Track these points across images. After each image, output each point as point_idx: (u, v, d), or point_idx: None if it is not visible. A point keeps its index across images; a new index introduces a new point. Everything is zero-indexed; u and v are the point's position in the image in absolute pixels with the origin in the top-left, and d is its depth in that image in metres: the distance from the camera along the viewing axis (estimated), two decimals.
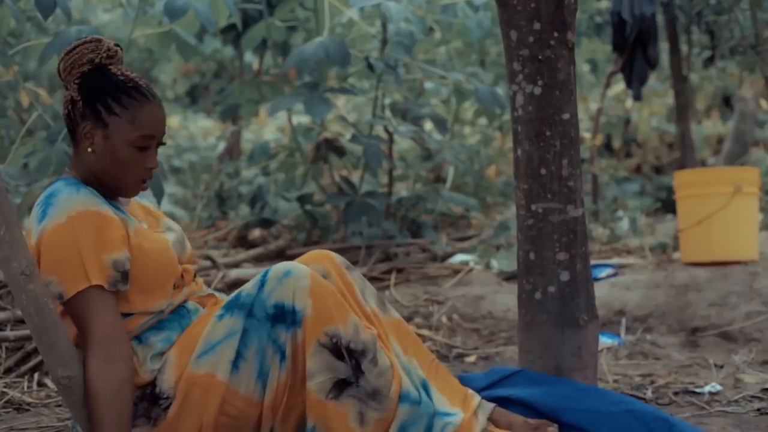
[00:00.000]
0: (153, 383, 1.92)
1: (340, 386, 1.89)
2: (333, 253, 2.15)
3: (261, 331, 1.90)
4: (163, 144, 2.02)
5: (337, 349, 1.89)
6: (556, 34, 2.31)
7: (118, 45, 2.00)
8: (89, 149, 1.94)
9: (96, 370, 1.82)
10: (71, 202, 1.87)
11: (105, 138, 1.93)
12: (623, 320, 3.84)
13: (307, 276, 1.91)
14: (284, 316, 1.89)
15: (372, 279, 4.35)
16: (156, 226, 2.07)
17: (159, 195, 3.54)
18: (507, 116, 6.32)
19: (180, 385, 1.91)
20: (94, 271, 1.84)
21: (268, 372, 1.90)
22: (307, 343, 1.88)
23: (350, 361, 1.89)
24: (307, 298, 1.89)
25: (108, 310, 1.86)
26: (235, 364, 1.90)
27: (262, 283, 1.92)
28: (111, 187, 1.98)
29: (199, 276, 2.19)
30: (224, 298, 2.07)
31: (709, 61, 7.13)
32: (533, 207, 2.35)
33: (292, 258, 4.71)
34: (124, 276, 1.88)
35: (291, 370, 1.90)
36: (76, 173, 1.98)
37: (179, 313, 1.99)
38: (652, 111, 9.26)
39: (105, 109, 1.92)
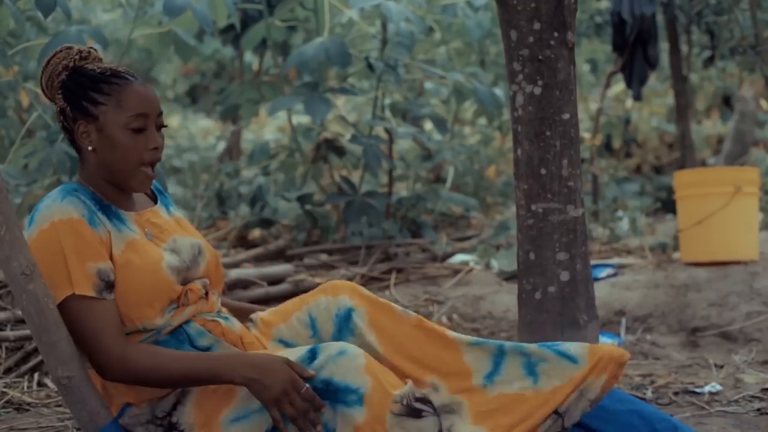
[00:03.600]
0: (170, 411, 1.89)
1: None
2: (354, 284, 2.07)
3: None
4: (164, 126, 1.97)
5: (413, 409, 1.79)
6: (556, 34, 2.32)
7: (92, 48, 1.99)
8: (90, 148, 1.93)
9: (127, 356, 1.81)
10: (53, 208, 1.86)
11: (99, 131, 1.91)
12: (623, 320, 3.84)
13: (361, 355, 1.82)
14: (334, 394, 1.79)
15: (372, 279, 4.35)
16: (161, 240, 1.98)
17: None
18: (507, 116, 6.33)
19: None
20: (80, 280, 1.82)
21: None
22: (378, 419, 1.77)
23: (428, 407, 1.81)
24: (365, 376, 1.79)
25: (100, 315, 1.83)
26: None
27: (312, 358, 1.83)
28: (121, 183, 1.95)
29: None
30: (232, 322, 2.01)
31: (709, 61, 7.13)
32: (533, 207, 2.35)
33: (291, 258, 4.76)
34: (109, 285, 1.85)
35: None
36: (83, 179, 1.97)
37: (177, 337, 1.93)
38: (652, 111, 9.26)
39: (90, 103, 1.91)
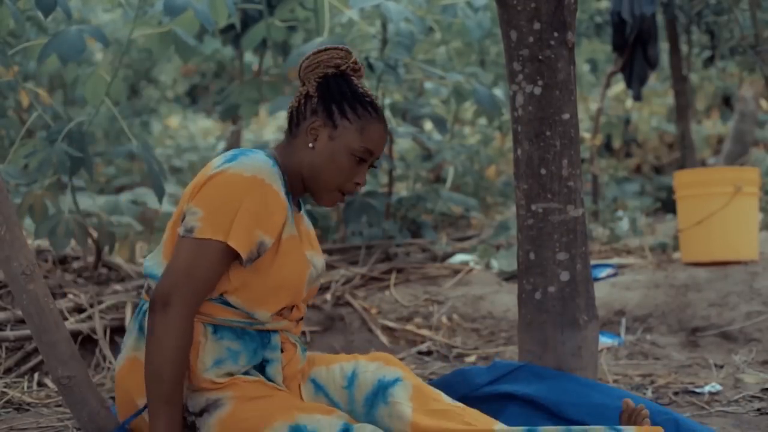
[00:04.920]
0: (197, 412, 1.88)
1: None
2: (408, 369, 2.08)
3: None
4: (375, 167, 2.06)
5: None
6: (556, 34, 2.32)
7: (362, 65, 2.08)
8: (310, 144, 1.97)
9: (178, 316, 1.77)
10: (265, 167, 1.88)
11: (330, 138, 1.97)
12: (623, 320, 3.84)
13: None
14: None
15: (372, 279, 4.35)
16: (305, 248, 2.03)
17: (159, 195, 3.54)
18: (507, 116, 6.33)
19: None
20: (240, 238, 1.82)
21: None
22: None
23: None
24: None
25: (218, 270, 1.83)
26: None
27: None
28: (312, 187, 2.00)
29: None
30: (304, 355, 2.04)
31: (709, 61, 7.13)
32: (533, 207, 2.35)
33: None
34: (256, 259, 1.87)
35: None
36: (279, 157, 1.99)
37: (262, 339, 1.94)
38: (652, 111, 9.27)
39: (339, 111, 1.97)
